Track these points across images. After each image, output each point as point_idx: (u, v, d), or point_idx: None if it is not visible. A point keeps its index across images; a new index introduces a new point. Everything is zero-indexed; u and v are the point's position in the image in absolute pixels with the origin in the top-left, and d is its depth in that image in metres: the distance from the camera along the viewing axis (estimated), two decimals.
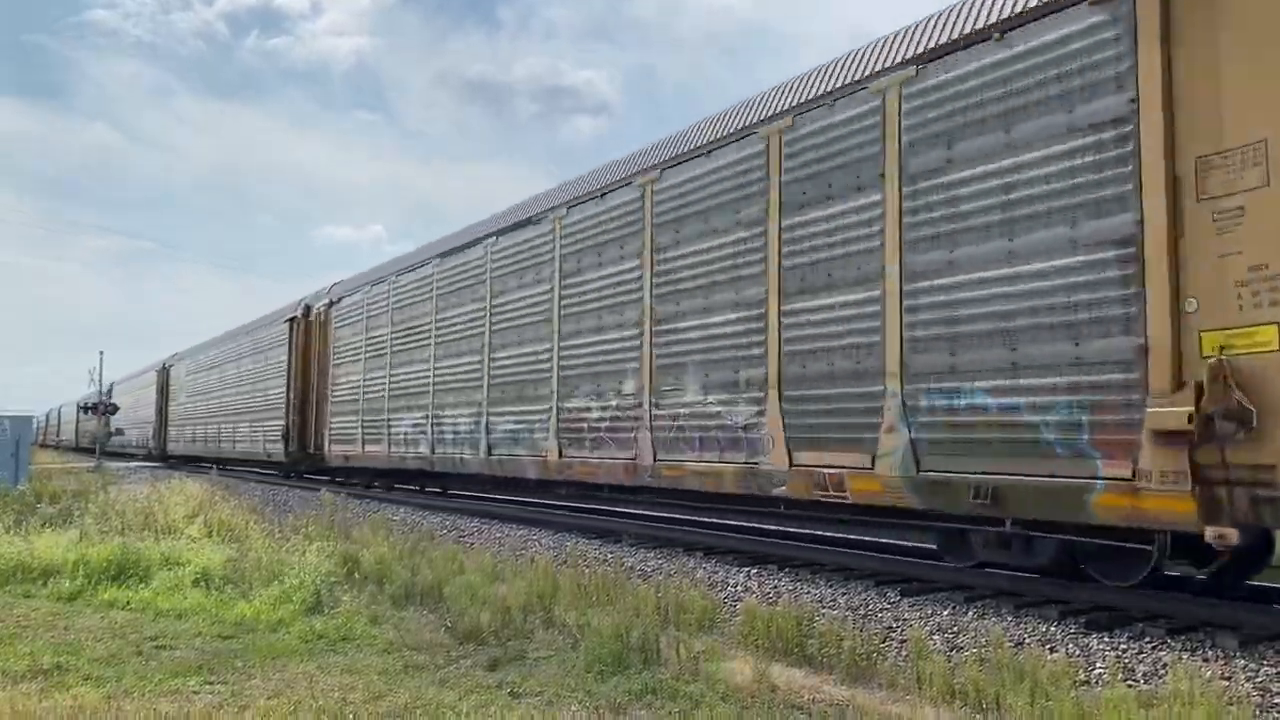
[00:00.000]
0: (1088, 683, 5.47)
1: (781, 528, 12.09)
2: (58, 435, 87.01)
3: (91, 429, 49.99)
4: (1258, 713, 4.77)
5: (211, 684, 5.56)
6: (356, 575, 8.76)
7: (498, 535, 12.64)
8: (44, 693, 5.29)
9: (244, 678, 5.70)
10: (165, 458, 39.34)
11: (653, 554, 10.36)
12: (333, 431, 20.68)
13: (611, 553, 10.51)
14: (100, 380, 43.57)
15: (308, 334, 23.20)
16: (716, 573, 9.14)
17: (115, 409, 44.72)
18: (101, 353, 45.42)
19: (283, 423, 23.70)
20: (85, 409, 45.50)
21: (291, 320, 23.97)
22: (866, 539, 11.13)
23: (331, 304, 21.72)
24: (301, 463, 23.25)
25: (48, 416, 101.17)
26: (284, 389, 23.90)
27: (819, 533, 11.67)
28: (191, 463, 36.73)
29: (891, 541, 10.73)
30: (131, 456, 47.23)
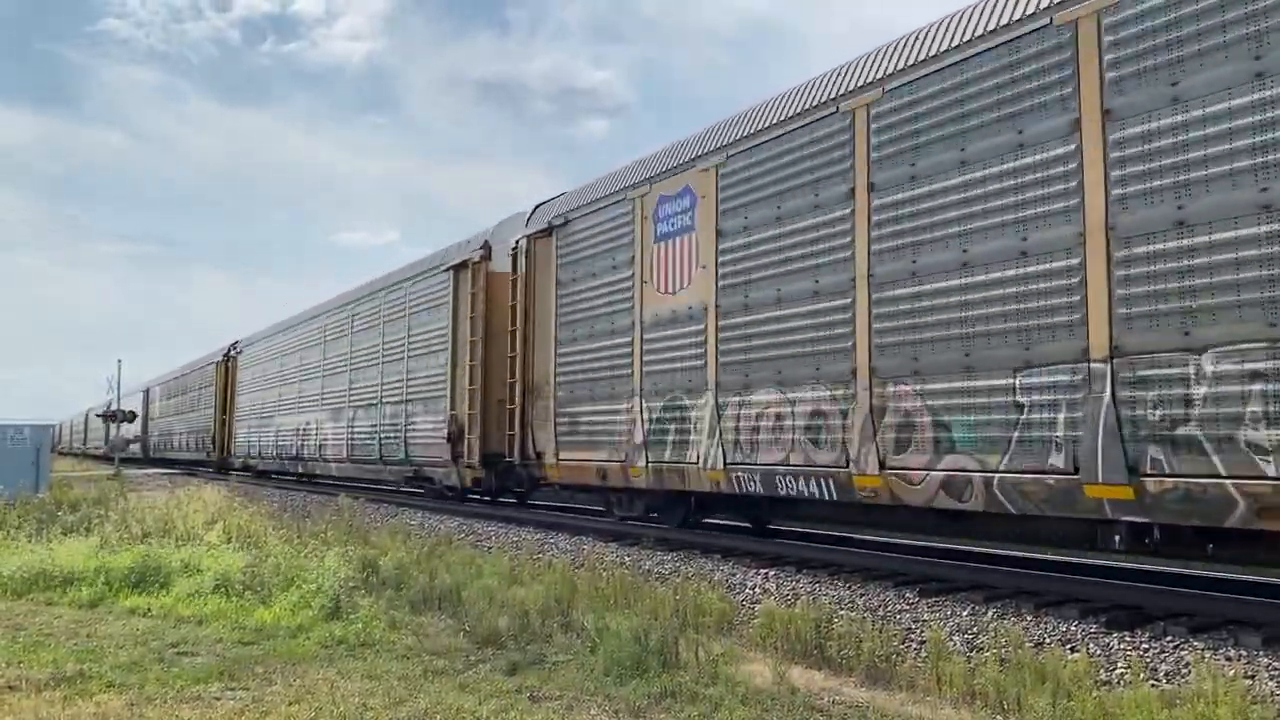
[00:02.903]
0: (1109, 683, 5.44)
1: (791, 528, 12.07)
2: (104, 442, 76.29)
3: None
4: None
5: (233, 690, 5.59)
6: (375, 580, 8.79)
7: (514, 539, 12.66)
8: (67, 700, 5.33)
9: (265, 683, 5.73)
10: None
11: (669, 556, 10.35)
12: None
13: (629, 555, 10.51)
14: (118, 387, 43.56)
15: None
16: (734, 575, 9.13)
17: (133, 416, 44.90)
18: (120, 361, 45.38)
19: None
20: (101, 416, 45.34)
21: None
22: (882, 539, 11.10)
23: None
24: None
25: (87, 418, 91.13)
26: None
27: (833, 533, 11.66)
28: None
29: (905, 541, 10.71)
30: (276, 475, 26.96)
